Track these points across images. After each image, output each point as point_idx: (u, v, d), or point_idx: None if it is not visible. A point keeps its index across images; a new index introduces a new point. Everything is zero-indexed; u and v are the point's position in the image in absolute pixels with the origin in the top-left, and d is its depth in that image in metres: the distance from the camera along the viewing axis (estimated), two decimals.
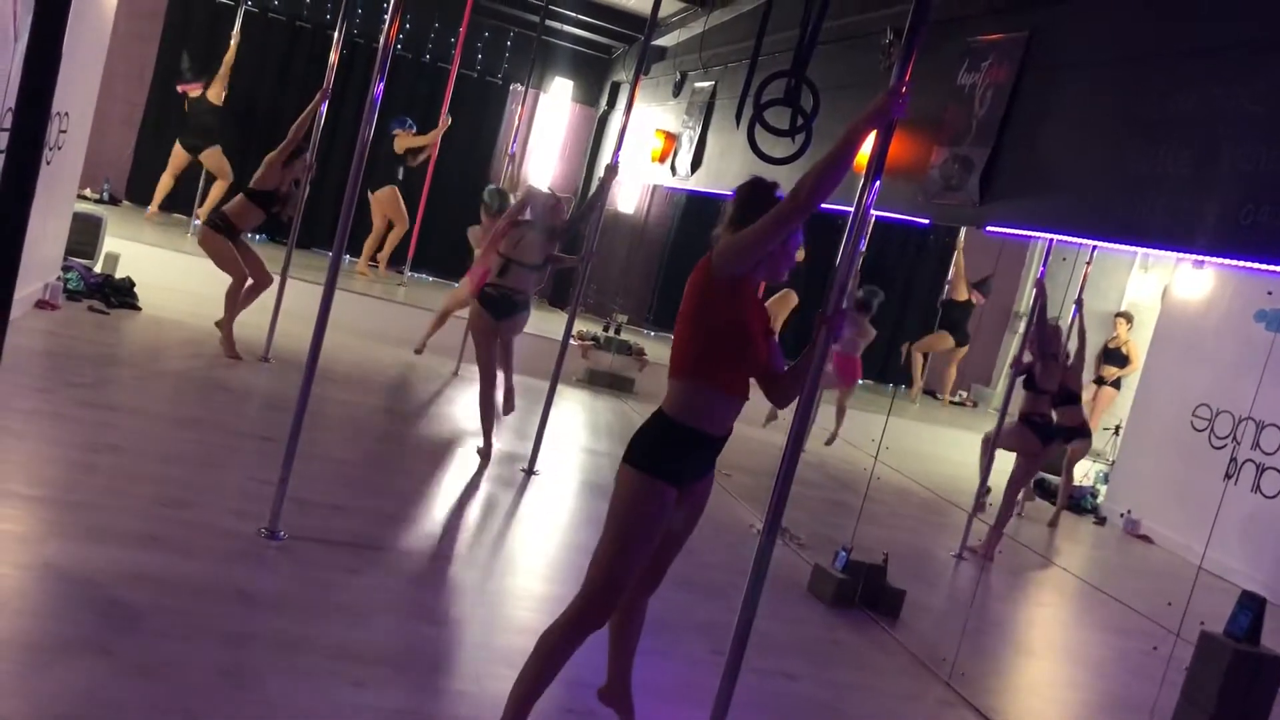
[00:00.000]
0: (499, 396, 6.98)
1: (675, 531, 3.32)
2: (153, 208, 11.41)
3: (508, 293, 6.59)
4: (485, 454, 6.69)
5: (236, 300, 7.74)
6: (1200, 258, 5.54)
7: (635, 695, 3.60)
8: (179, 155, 11.25)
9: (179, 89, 11.13)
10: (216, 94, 11.12)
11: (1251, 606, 4.39)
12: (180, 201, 11.64)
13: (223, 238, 7.67)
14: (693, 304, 3.14)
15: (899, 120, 3.06)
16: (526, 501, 6.28)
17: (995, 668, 5.59)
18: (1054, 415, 7.45)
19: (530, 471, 6.74)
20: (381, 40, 4.64)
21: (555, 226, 6.74)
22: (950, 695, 4.78)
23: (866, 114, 3.00)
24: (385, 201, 11.50)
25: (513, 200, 9.00)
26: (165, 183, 11.37)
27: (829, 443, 9.39)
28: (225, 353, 7.64)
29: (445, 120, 11.37)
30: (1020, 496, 7.67)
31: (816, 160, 2.98)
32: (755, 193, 3.21)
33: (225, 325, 7.71)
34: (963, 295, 11.62)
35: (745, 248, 3.04)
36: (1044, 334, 7.26)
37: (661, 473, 3.11)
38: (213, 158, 11.18)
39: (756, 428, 9.02)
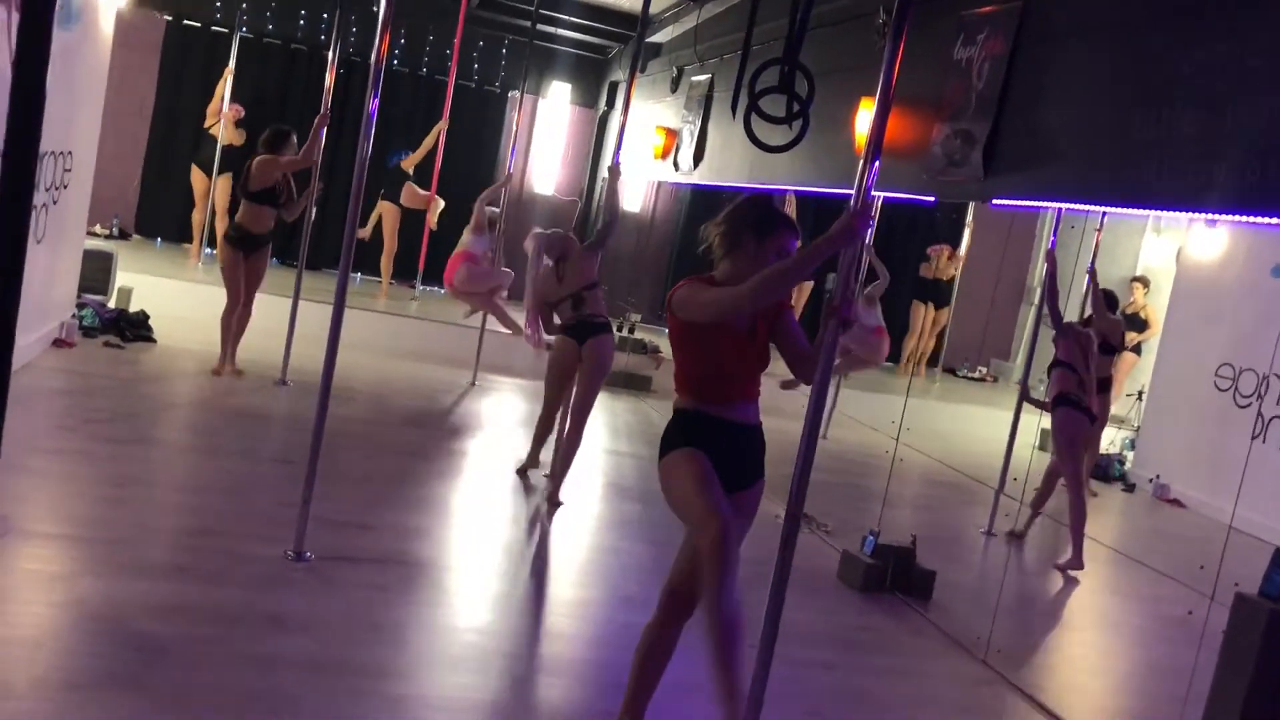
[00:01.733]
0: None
1: None
2: (194, 256, 11.39)
3: (580, 319, 6.29)
4: (523, 471, 6.71)
5: (229, 328, 7.84)
6: (1212, 217, 5.50)
7: (669, 691, 3.57)
8: (200, 179, 11.21)
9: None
10: (216, 127, 11.10)
11: None
12: (190, 232, 11.70)
13: (234, 250, 7.74)
14: (671, 329, 3.26)
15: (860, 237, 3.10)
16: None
17: (1031, 643, 5.56)
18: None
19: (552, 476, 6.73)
20: (373, 56, 4.64)
21: (571, 252, 6.41)
22: (987, 673, 4.75)
23: (830, 236, 3.01)
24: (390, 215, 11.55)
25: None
26: (198, 219, 11.35)
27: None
28: (229, 371, 7.80)
29: (444, 121, 11.33)
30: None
31: (772, 268, 3.06)
32: (763, 219, 3.24)
33: (226, 353, 7.84)
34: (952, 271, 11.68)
35: (699, 312, 3.13)
36: (1059, 322, 7.06)
37: (685, 443, 3.17)
38: (224, 184, 11.18)
39: (773, 417, 8.98)
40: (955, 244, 12.19)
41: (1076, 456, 6.78)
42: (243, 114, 11.23)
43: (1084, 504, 6.79)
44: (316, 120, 7.76)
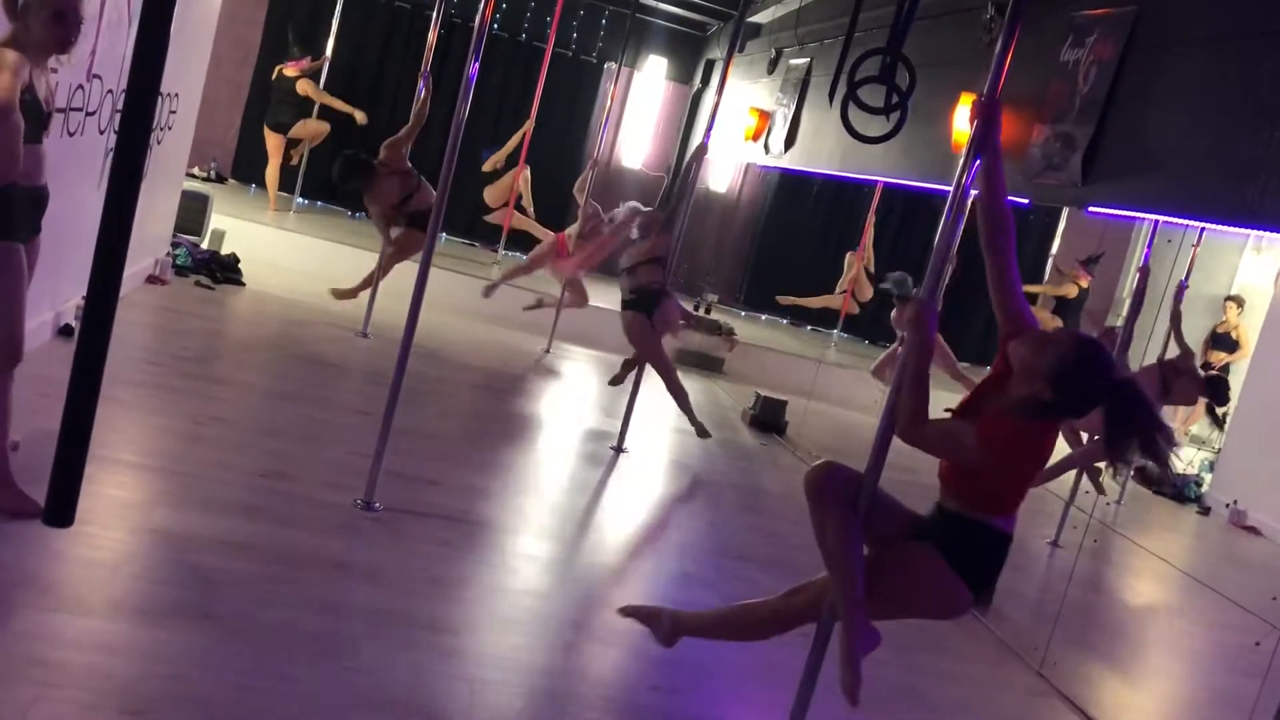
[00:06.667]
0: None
1: None
2: (271, 203, 11.48)
3: (639, 290, 7.12)
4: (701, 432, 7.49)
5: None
6: None
7: (719, 675, 3.58)
8: (273, 139, 11.36)
9: (287, 67, 11.26)
10: (305, 88, 11.18)
11: None
12: (286, 181, 11.90)
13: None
14: None
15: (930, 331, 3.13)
16: (615, 479, 6.33)
17: (1088, 658, 5.48)
18: None
19: (619, 449, 6.79)
20: (477, 20, 4.68)
21: (653, 231, 7.15)
22: (1040, 684, 4.70)
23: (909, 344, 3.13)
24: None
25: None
26: (272, 175, 11.45)
27: None
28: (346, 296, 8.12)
29: (531, 121, 11.25)
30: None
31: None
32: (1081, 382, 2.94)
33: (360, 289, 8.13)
34: (1073, 291, 11.05)
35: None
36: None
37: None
38: (306, 128, 11.33)
39: (847, 409, 8.93)
40: (1043, 253, 11.80)
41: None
42: (303, 68, 11.27)
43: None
44: (420, 81, 7.82)
